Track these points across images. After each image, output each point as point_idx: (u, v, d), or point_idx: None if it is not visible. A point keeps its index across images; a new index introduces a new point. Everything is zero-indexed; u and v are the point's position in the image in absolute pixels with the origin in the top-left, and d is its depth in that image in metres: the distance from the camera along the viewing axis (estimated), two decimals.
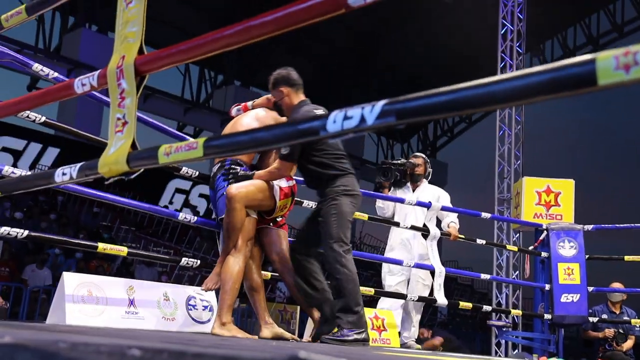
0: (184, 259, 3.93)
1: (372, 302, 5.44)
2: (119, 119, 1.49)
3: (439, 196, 5.35)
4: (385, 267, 5.46)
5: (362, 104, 0.98)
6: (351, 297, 3.34)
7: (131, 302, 3.74)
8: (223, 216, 3.51)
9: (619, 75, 0.73)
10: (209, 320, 4.02)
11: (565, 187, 6.67)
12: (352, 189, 3.58)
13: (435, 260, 5.05)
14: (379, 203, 5.43)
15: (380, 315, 4.81)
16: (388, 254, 5.43)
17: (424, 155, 5.59)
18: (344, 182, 3.54)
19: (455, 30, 19.35)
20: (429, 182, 5.51)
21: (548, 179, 6.76)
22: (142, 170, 1.54)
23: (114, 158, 1.50)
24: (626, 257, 5.91)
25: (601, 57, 0.75)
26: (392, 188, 5.38)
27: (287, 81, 3.64)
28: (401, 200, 5.13)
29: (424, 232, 5.13)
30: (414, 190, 5.39)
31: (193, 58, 1.44)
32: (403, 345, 4.98)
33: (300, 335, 4.34)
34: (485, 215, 5.78)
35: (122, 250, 3.69)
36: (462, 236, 5.34)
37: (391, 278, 5.30)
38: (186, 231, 16.52)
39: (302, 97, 3.66)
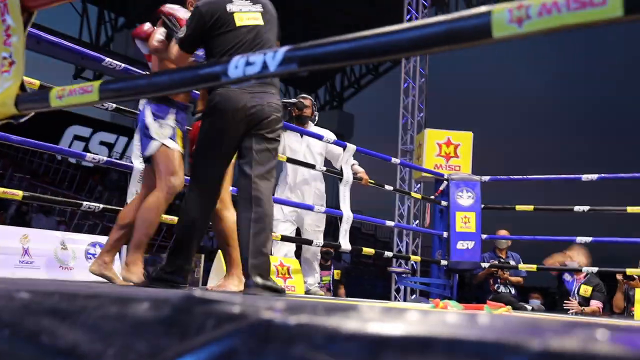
0: (85, 202, 3.68)
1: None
2: (4, 58, 1.39)
3: (328, 138, 5.09)
4: (275, 214, 5.28)
5: (264, 50, 0.96)
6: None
7: (25, 252, 3.60)
8: (148, 154, 3.24)
9: (512, 29, 0.75)
10: None
11: (465, 139, 6.94)
12: (223, 103, 2.87)
13: (345, 206, 5.06)
14: None
15: (285, 262, 4.87)
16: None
17: (311, 98, 5.49)
18: (218, 93, 2.89)
19: None
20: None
21: (448, 132, 7.00)
22: (32, 113, 1.46)
23: (0, 100, 1.40)
24: (517, 207, 6.27)
25: (496, 10, 0.77)
26: None
27: None
28: (319, 137, 4.99)
29: (337, 175, 5.06)
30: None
31: None
32: (307, 292, 5.08)
33: (205, 284, 4.33)
34: (395, 160, 5.92)
35: (17, 194, 3.42)
36: (373, 181, 5.38)
37: (283, 225, 5.08)
38: (86, 180, 15.96)
39: None
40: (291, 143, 5.21)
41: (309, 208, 5.03)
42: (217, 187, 3.01)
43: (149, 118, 3.27)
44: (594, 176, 5.74)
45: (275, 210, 5.17)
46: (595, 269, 5.85)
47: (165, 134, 3.25)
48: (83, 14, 20.28)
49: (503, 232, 6.61)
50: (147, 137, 3.26)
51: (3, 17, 1.36)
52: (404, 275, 7.39)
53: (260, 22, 3.07)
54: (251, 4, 3.10)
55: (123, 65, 3.83)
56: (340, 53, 0.88)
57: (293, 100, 5.27)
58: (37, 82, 3.19)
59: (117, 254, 3.53)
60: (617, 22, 0.70)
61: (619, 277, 5.99)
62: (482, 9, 0.78)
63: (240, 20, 3.02)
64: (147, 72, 3.75)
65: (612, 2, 0.69)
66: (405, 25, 0.82)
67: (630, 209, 5.70)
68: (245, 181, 2.90)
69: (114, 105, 3.74)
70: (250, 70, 0.97)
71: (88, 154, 3.87)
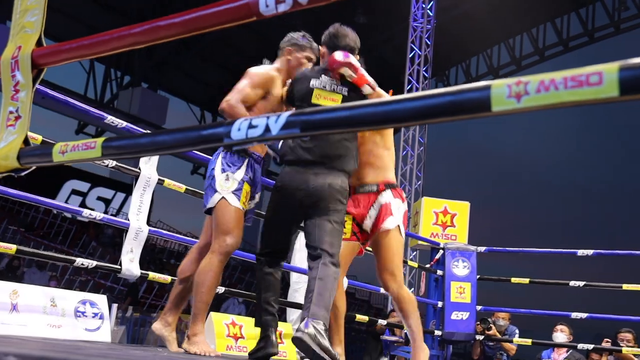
0: (78, 259, 3.60)
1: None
2: (11, 112, 1.41)
3: None
4: (296, 279, 5.31)
5: (267, 114, 0.98)
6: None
7: (14, 307, 3.53)
8: (209, 206, 3.10)
9: (510, 103, 0.77)
10: (98, 329, 3.86)
11: (461, 209, 6.96)
12: (280, 181, 3.02)
13: None
14: None
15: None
16: (296, 255, 5.33)
17: None
18: (280, 172, 3.06)
19: (367, 49, 19.78)
20: None
21: (445, 200, 7.02)
22: (33, 167, 1.47)
23: (3, 153, 1.41)
24: (512, 279, 6.22)
25: (495, 85, 0.79)
26: None
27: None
28: None
29: None
30: None
31: (96, 54, 1.39)
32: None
33: None
34: None
35: (11, 249, 3.39)
36: (369, 248, 5.33)
37: (300, 293, 5.05)
38: (80, 235, 15.86)
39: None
40: None
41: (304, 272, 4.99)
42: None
43: (217, 168, 3.12)
44: (590, 252, 5.72)
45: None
46: (590, 346, 5.78)
47: (229, 188, 3.08)
48: (90, 71, 20.65)
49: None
50: (211, 187, 3.11)
51: (13, 73, 1.39)
52: (396, 345, 7.24)
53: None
54: (338, 84, 3.02)
55: (125, 123, 3.86)
56: (342, 120, 0.89)
57: None
58: (39, 138, 3.21)
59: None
60: (612, 101, 0.72)
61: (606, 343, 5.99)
62: (483, 83, 0.80)
63: (317, 98, 2.98)
64: (149, 131, 3.78)
65: (609, 83, 0.71)
66: (406, 95, 0.84)
67: (625, 287, 5.65)
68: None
69: (115, 163, 3.75)
70: (253, 132, 0.99)
71: (85, 210, 3.86)
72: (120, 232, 15.56)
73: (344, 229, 3.09)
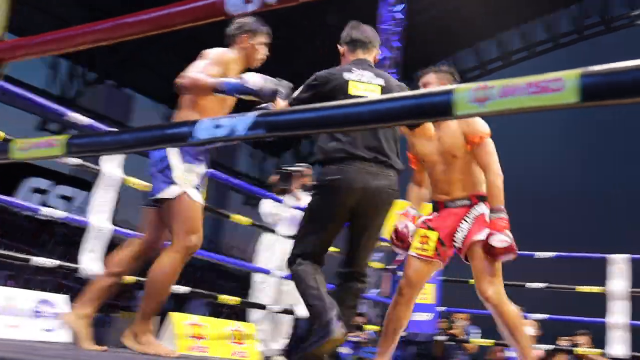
0: (36, 258, 3.47)
1: (238, 314, 5.34)
2: None
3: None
4: (260, 279, 5.28)
5: (234, 114, 0.98)
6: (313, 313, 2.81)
7: None
8: (160, 196, 2.83)
9: (474, 108, 0.79)
10: (57, 329, 3.79)
11: (425, 211, 7.01)
12: (331, 179, 2.84)
13: None
14: (272, 210, 5.23)
15: (240, 327, 4.76)
16: (260, 255, 5.33)
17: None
18: (324, 171, 2.87)
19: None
20: None
21: (408, 202, 7.06)
22: None
23: None
24: (470, 281, 6.28)
25: (459, 89, 0.80)
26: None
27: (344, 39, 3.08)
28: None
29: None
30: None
31: (60, 50, 1.37)
32: (268, 358, 4.90)
33: None
34: None
35: None
36: (337, 249, 5.32)
37: (264, 293, 5.09)
38: (38, 233, 15.54)
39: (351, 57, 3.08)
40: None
41: (265, 272, 4.99)
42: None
43: (174, 158, 2.85)
44: (552, 254, 5.80)
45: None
46: (551, 347, 5.91)
47: (190, 182, 2.84)
48: (53, 67, 20.25)
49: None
50: (165, 177, 2.83)
51: None
52: (361, 345, 7.27)
53: (377, 96, 2.90)
54: (373, 76, 2.97)
55: (87, 120, 3.76)
56: (308, 121, 0.90)
57: (299, 167, 5.39)
58: (2, 134, 3.14)
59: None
60: (573, 107, 0.73)
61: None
62: (446, 87, 0.81)
63: (356, 88, 2.89)
64: (113, 129, 3.68)
65: (569, 89, 0.73)
66: (371, 98, 0.85)
67: (578, 289, 5.73)
68: None
69: (78, 161, 3.65)
70: (219, 132, 0.98)
71: (42, 208, 3.70)
72: (75, 232, 15.26)
73: (427, 245, 3.18)
